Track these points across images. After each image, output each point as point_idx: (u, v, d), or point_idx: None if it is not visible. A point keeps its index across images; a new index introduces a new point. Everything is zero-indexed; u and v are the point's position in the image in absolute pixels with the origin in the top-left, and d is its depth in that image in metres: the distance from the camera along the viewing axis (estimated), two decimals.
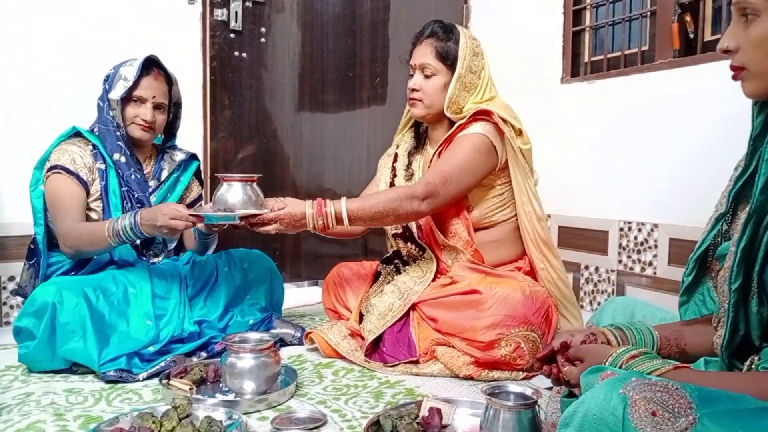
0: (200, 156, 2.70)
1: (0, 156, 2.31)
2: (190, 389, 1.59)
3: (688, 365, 1.02)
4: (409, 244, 2.03)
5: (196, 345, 1.87)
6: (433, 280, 1.93)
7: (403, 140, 2.16)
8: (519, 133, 1.91)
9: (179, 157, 2.16)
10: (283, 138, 2.96)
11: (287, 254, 3.01)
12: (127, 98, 1.95)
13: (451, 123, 1.97)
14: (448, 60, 1.92)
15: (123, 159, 1.98)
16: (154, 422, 1.32)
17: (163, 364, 1.76)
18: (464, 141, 1.87)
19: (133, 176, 1.99)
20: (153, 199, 2.04)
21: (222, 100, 2.74)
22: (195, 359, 1.84)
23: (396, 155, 2.14)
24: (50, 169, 1.91)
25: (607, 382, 0.82)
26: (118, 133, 1.97)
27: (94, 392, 1.63)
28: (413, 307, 1.87)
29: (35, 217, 1.97)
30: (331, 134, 3.08)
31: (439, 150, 1.95)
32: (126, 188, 1.97)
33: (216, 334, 1.94)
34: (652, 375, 0.91)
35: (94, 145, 1.96)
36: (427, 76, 1.94)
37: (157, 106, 1.99)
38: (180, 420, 1.34)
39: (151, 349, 1.80)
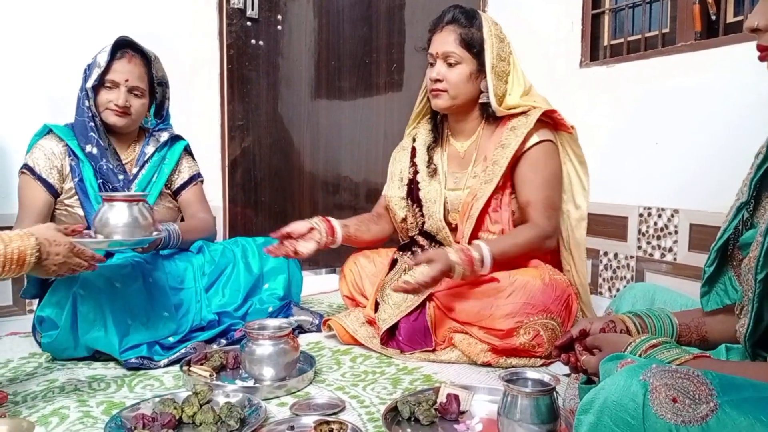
0: (217, 145, 2.72)
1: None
2: (211, 375, 1.61)
3: (708, 354, 1.01)
4: (429, 240, 2.01)
5: (216, 332, 1.90)
6: None
7: (420, 132, 2.08)
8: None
9: (164, 137, 2.09)
10: (300, 126, 2.96)
11: None
12: (100, 84, 1.91)
13: (482, 114, 1.92)
14: (474, 47, 1.84)
15: (95, 150, 1.92)
16: (175, 408, 1.34)
17: (183, 351, 1.79)
18: (549, 158, 1.86)
19: (105, 167, 1.93)
20: (134, 187, 1.98)
21: (239, 88, 2.75)
22: (215, 346, 1.86)
23: (414, 149, 2.07)
24: (21, 167, 1.92)
25: (627, 369, 0.82)
26: (92, 123, 1.92)
27: (117, 378, 1.65)
28: (429, 297, 1.85)
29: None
30: (347, 121, 3.08)
31: (473, 149, 1.93)
32: (101, 180, 1.93)
33: (235, 321, 1.95)
34: (671, 364, 0.90)
35: (65, 142, 1.93)
36: (450, 65, 1.85)
37: (131, 90, 1.93)
38: (201, 406, 1.36)
39: (171, 339, 1.82)
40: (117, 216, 1.61)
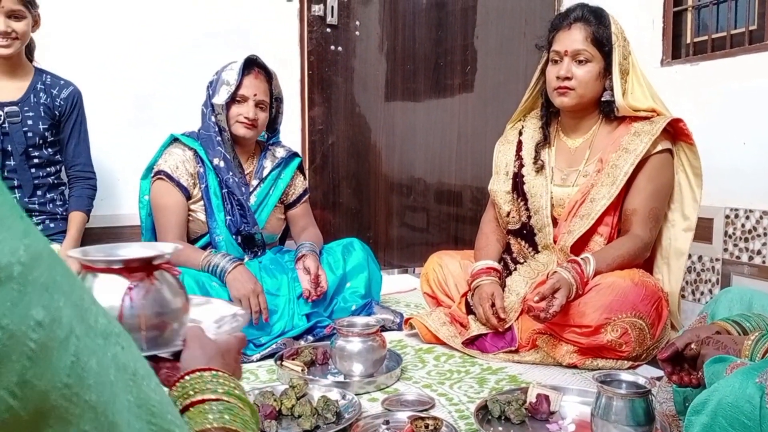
0: (299, 149, 2.81)
1: (116, 149, 2.48)
2: (302, 370, 1.68)
3: None
4: (522, 242, 2.00)
5: (304, 329, 1.97)
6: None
7: (527, 126, 2.07)
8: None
9: (280, 153, 2.22)
10: (376, 128, 3.02)
11: (380, 242, 3.07)
12: (231, 99, 2.03)
13: (600, 112, 1.92)
14: (604, 46, 1.84)
15: (222, 164, 2.05)
16: (275, 400, 1.41)
17: (274, 346, 1.87)
18: (665, 169, 1.87)
19: (231, 180, 2.05)
20: (253, 198, 2.11)
21: (319, 93, 2.83)
22: (303, 342, 1.93)
23: (520, 142, 2.06)
24: (156, 174, 2.04)
25: (742, 372, 0.82)
26: (219, 138, 2.04)
27: None
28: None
29: (143, 231, 2.11)
30: (422, 123, 3.12)
31: (586, 147, 1.94)
32: (226, 190, 2.06)
33: (322, 318, 2.02)
34: None
35: (194, 150, 2.06)
36: (580, 62, 1.84)
37: (258, 104, 2.06)
38: (298, 399, 1.43)
39: (263, 339, 1.90)
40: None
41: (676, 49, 2.69)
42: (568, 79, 1.84)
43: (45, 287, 0.34)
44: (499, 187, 2.06)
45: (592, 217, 1.84)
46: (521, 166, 2.02)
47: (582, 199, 1.86)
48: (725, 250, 2.41)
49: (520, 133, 2.08)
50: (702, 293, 2.50)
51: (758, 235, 2.28)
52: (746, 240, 2.33)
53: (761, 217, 2.27)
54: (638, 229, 1.82)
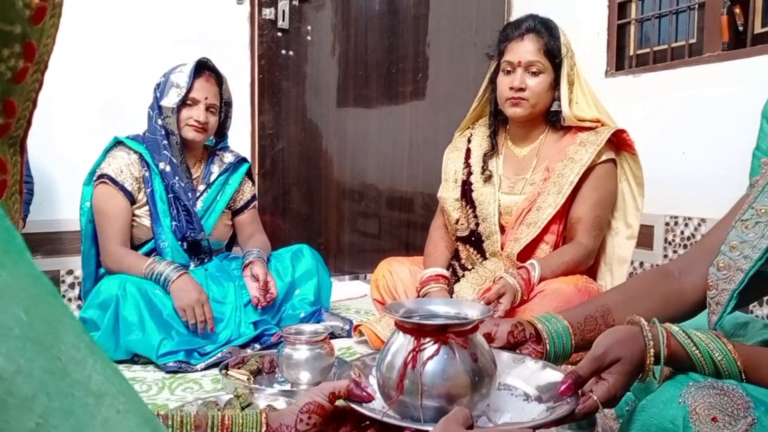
0: (248, 153, 2.77)
1: (54, 154, 2.40)
2: (248, 379, 1.65)
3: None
4: (471, 248, 2.01)
5: (251, 337, 1.93)
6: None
7: (476, 134, 2.08)
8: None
9: (228, 159, 2.19)
10: (327, 134, 3.01)
11: (331, 249, 3.06)
12: (181, 102, 1.99)
13: (546, 121, 1.95)
14: (556, 58, 1.86)
15: (168, 168, 2.00)
16: (218, 410, 1.38)
17: (219, 355, 1.83)
18: (608, 178, 1.90)
19: (177, 184, 2.01)
20: (200, 203, 2.08)
21: (269, 98, 2.80)
22: (249, 351, 1.90)
23: (469, 150, 2.06)
24: (98, 177, 1.98)
25: (669, 386, 0.84)
26: (165, 141, 2.00)
27: (157, 381, 1.70)
28: None
29: (83, 239, 2.03)
30: (374, 129, 3.12)
31: (533, 155, 1.96)
32: (172, 195, 2.01)
33: (269, 326, 1.99)
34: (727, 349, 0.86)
35: (139, 154, 2.01)
36: (533, 74, 1.85)
37: (209, 108, 2.03)
38: (243, 408, 1.40)
39: (208, 348, 1.86)
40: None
41: (620, 61, 2.77)
42: (521, 90, 1.85)
43: (8, 329, 0.28)
44: (449, 194, 2.07)
45: (538, 226, 1.87)
46: (470, 173, 2.03)
47: (529, 207, 1.89)
48: (665, 256, 2.48)
49: (469, 141, 2.09)
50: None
51: (696, 242, 2.35)
52: (685, 246, 2.40)
53: (699, 225, 2.35)
54: (583, 237, 1.86)
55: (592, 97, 1.96)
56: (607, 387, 0.84)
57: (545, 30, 1.87)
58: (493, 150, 2.02)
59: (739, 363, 0.86)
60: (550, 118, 1.95)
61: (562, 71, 1.87)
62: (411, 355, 0.74)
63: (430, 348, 0.74)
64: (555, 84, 1.90)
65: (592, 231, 1.86)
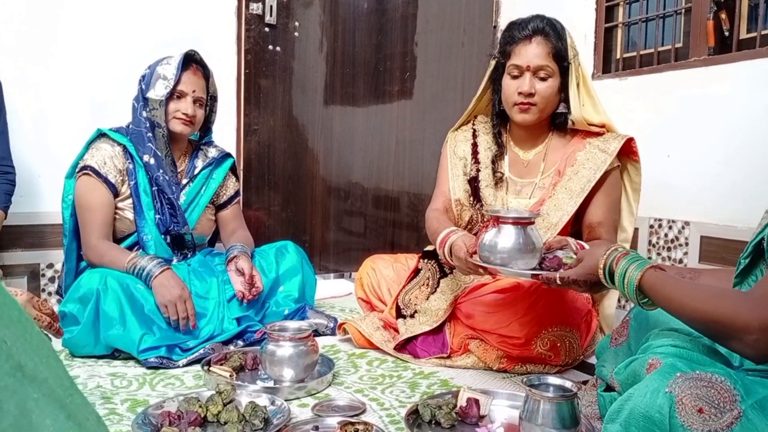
0: (234, 149, 2.75)
1: (37, 148, 2.36)
2: (231, 376, 1.63)
3: (664, 267, 1.13)
4: None
5: (234, 333, 1.91)
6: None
7: (481, 130, 1.99)
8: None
9: (212, 153, 2.17)
10: (314, 131, 3.00)
11: (316, 246, 3.05)
12: (169, 95, 1.97)
13: (550, 124, 1.90)
14: (564, 61, 1.78)
15: (153, 160, 1.97)
16: (200, 406, 1.36)
17: (201, 351, 1.81)
18: (618, 183, 1.90)
19: (162, 177, 1.98)
20: (183, 197, 2.05)
21: (256, 93, 2.78)
22: (232, 347, 1.88)
23: (476, 144, 1.98)
24: (81, 169, 1.95)
25: (656, 374, 0.84)
26: (150, 134, 1.97)
27: (138, 377, 1.67)
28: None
29: (65, 233, 2.01)
30: (360, 128, 3.11)
31: (539, 159, 1.92)
32: (156, 188, 1.99)
33: (252, 323, 1.97)
34: (635, 273, 1.10)
35: (123, 146, 1.98)
36: (542, 78, 1.77)
37: (196, 101, 2.01)
38: (225, 405, 1.38)
39: (190, 344, 1.84)
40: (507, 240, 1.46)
41: (607, 64, 2.78)
42: (531, 95, 1.77)
43: None
44: (460, 193, 1.96)
45: (552, 229, 1.80)
46: (478, 170, 1.95)
47: (538, 211, 1.85)
48: (649, 258, 2.50)
49: (474, 135, 2.00)
50: (627, 300, 2.59)
51: (680, 245, 2.38)
52: (669, 249, 2.42)
53: (683, 228, 2.37)
54: (608, 237, 1.83)
55: (597, 98, 1.91)
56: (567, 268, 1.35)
57: (553, 32, 1.78)
58: (500, 152, 1.95)
59: (636, 285, 1.11)
60: (555, 121, 1.90)
61: (570, 74, 1.80)
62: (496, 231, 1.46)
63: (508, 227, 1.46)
64: (562, 87, 1.83)
65: (613, 232, 1.87)
